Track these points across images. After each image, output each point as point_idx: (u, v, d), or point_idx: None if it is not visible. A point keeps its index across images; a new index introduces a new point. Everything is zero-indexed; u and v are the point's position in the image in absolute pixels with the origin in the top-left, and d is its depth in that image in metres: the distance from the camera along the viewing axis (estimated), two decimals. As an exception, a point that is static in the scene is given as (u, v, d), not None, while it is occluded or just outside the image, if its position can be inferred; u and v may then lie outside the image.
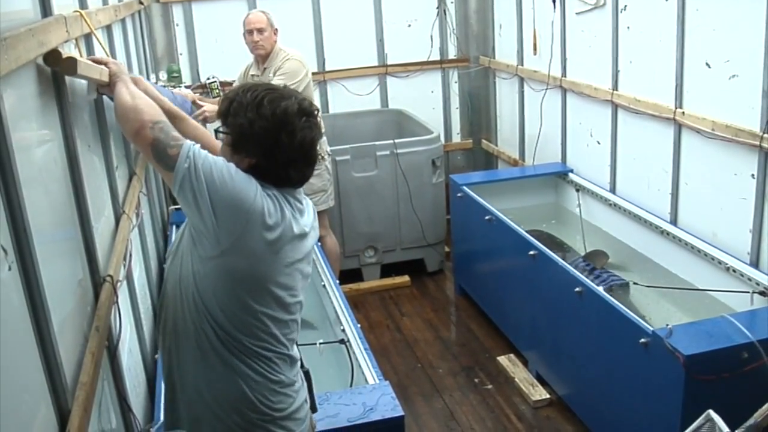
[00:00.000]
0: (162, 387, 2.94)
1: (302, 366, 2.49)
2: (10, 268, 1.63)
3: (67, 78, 2.38)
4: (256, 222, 2.12)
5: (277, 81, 5.07)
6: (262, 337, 2.23)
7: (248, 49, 5.35)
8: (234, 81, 6.42)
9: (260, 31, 5.22)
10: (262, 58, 5.32)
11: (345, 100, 6.86)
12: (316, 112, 2.26)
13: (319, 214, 5.40)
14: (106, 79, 2.43)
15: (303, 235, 2.27)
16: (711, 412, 2.75)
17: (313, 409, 2.58)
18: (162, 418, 2.41)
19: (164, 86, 5.30)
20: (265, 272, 2.18)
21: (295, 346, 2.38)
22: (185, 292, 2.20)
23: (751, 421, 2.60)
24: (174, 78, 6.13)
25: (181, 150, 2.11)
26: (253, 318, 2.21)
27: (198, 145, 2.16)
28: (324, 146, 5.48)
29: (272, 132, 2.17)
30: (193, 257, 2.18)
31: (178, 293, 2.23)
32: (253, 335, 2.21)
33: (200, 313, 2.18)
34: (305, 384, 2.46)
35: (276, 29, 5.30)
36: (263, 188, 2.17)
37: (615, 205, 4.96)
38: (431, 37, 6.97)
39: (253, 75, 5.46)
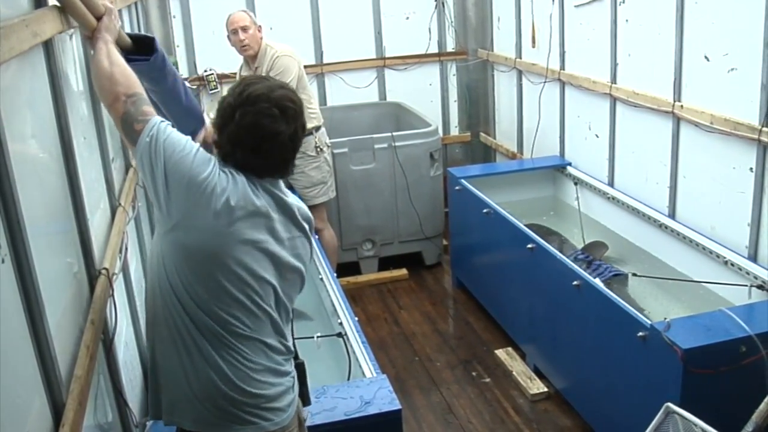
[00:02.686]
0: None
1: (296, 358, 2.49)
2: (3, 261, 1.62)
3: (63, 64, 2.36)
4: (207, 195, 2.15)
5: None
6: (229, 321, 2.22)
7: (236, 51, 5.31)
8: (232, 74, 6.43)
9: (245, 29, 5.16)
10: (252, 57, 5.28)
11: (343, 92, 6.84)
12: (288, 104, 2.25)
13: (318, 206, 5.40)
14: (93, 24, 2.34)
15: (266, 215, 2.26)
16: (670, 404, 2.76)
17: (306, 401, 2.57)
18: (149, 408, 2.41)
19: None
20: (218, 245, 2.18)
21: (274, 337, 2.35)
22: (158, 277, 2.24)
23: (750, 426, 2.59)
24: (171, 70, 6.10)
25: (146, 125, 2.17)
26: (216, 299, 2.21)
27: (166, 122, 2.21)
28: (323, 138, 5.47)
29: (232, 107, 2.23)
30: (158, 238, 2.25)
31: (155, 280, 2.26)
32: (219, 319, 2.22)
33: (170, 297, 2.21)
34: (295, 375, 2.44)
35: (260, 26, 5.26)
36: (224, 167, 2.23)
37: (613, 198, 4.95)
38: (429, 29, 6.95)
39: (246, 74, 5.35)
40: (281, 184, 2.36)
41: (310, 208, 5.25)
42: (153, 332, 2.32)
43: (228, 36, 5.26)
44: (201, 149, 2.21)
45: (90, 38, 2.36)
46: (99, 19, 2.34)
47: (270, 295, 2.30)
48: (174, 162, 2.14)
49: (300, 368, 2.49)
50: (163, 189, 2.14)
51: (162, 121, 2.19)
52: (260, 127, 2.21)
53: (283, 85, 2.33)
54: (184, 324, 2.21)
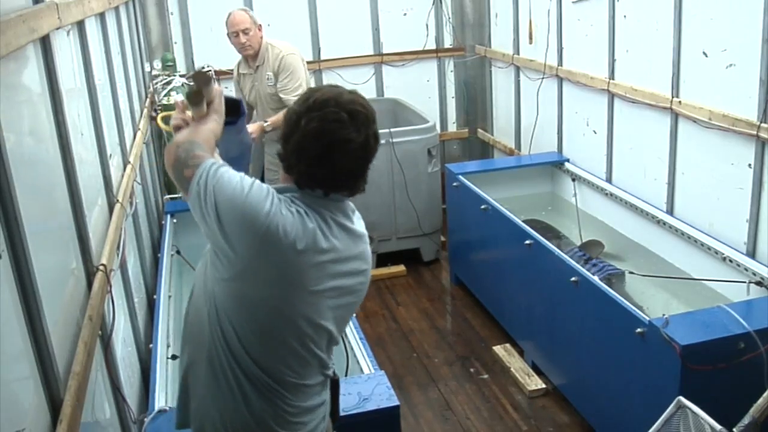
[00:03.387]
0: (157, 374, 2.94)
1: (333, 375, 2.28)
2: (0, 257, 1.62)
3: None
4: (269, 240, 1.92)
5: (287, 83, 5.09)
6: (279, 370, 2.07)
7: (235, 50, 5.24)
8: (229, 70, 6.42)
9: (245, 31, 5.07)
10: (252, 56, 5.22)
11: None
12: (358, 109, 2.01)
13: None
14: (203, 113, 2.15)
15: (335, 261, 2.04)
16: (681, 398, 2.76)
17: (336, 418, 2.39)
18: (175, 414, 2.32)
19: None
20: (283, 300, 2.00)
21: (318, 374, 2.17)
22: (208, 317, 2.07)
23: (747, 419, 2.59)
24: (168, 67, 6.10)
25: (197, 171, 1.96)
26: (271, 350, 2.05)
27: (218, 163, 1.99)
28: None
29: (297, 115, 2.01)
30: (213, 275, 2.04)
31: (202, 316, 2.09)
32: (269, 369, 2.06)
33: (219, 340, 2.05)
34: (328, 398, 2.27)
35: (260, 25, 5.19)
36: (292, 203, 1.99)
37: (611, 194, 4.95)
38: (427, 25, 6.95)
39: (244, 74, 5.39)
40: (350, 207, 2.14)
41: None
42: (191, 357, 2.18)
43: (228, 35, 5.21)
44: (257, 185, 1.96)
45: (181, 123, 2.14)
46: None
47: (323, 339, 2.12)
48: (225, 209, 1.91)
49: (334, 385, 2.30)
50: (221, 238, 1.93)
51: (214, 164, 1.97)
52: (326, 133, 1.97)
53: (352, 91, 2.10)
54: (230, 367, 2.06)
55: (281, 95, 5.07)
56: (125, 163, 3.82)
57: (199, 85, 2.07)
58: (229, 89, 6.50)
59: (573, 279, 3.84)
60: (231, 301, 2.01)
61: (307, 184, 2.03)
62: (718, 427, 2.61)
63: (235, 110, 2.29)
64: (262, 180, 5.56)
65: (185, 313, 2.24)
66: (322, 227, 2.00)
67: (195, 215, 1.99)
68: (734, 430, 2.58)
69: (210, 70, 2.15)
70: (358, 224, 2.15)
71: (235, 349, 2.04)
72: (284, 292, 1.99)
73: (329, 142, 1.98)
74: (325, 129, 1.97)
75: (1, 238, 1.63)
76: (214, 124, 2.12)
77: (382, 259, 6.14)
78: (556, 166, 5.66)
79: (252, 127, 4.77)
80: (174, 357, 3.36)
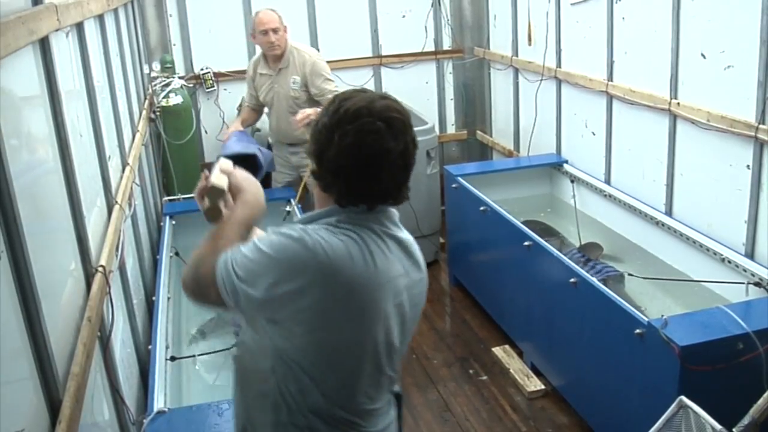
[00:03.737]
0: (156, 376, 2.94)
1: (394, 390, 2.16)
2: (0, 258, 1.62)
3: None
4: (329, 284, 1.79)
5: (324, 87, 5.12)
6: (356, 401, 1.95)
7: (261, 49, 5.26)
8: (235, 71, 6.43)
9: (275, 31, 5.09)
10: (277, 57, 5.21)
11: (339, 91, 6.82)
12: (394, 116, 1.86)
13: None
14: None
15: (396, 276, 1.92)
16: (683, 398, 2.76)
17: None
18: None
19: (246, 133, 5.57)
20: (356, 334, 1.88)
21: (387, 394, 2.06)
22: (273, 375, 1.91)
23: (747, 420, 2.59)
24: (167, 68, 6.10)
25: (215, 271, 1.83)
26: (350, 386, 1.93)
27: (229, 257, 1.84)
28: None
29: (329, 128, 1.84)
30: (277, 333, 1.88)
31: (265, 372, 1.92)
32: (348, 404, 1.95)
33: (289, 397, 1.90)
34: (395, 412, 2.14)
35: (286, 27, 5.20)
36: (337, 228, 1.85)
37: (610, 196, 4.96)
38: (425, 27, 6.95)
39: (263, 74, 5.35)
40: (396, 215, 2.00)
41: None
42: (252, 406, 2.01)
43: (253, 33, 5.21)
44: (274, 246, 1.80)
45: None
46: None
47: (395, 357, 2.01)
48: (267, 282, 1.77)
49: (398, 399, 2.15)
50: (279, 309, 1.81)
51: (226, 260, 1.83)
52: (364, 147, 1.82)
53: (384, 95, 1.94)
54: (303, 414, 1.91)
55: (321, 98, 5.08)
56: (124, 164, 3.83)
57: (214, 201, 1.97)
58: (228, 91, 6.52)
59: (572, 280, 3.85)
60: (303, 354, 1.86)
61: (349, 202, 1.88)
62: (719, 427, 2.61)
63: (251, 165, 2.22)
64: (268, 183, 5.57)
65: (234, 371, 2.07)
66: (378, 244, 1.89)
67: (239, 309, 1.84)
68: (734, 430, 2.59)
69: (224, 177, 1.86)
70: (405, 231, 2.03)
71: (311, 399, 1.89)
72: (359, 323, 1.87)
73: (368, 155, 1.83)
74: (362, 142, 1.82)
75: (0, 239, 1.64)
76: (241, 212, 2.01)
77: (381, 261, 6.13)
78: (554, 167, 5.66)
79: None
80: (173, 358, 3.36)
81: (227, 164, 2.07)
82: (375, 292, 1.86)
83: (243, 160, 2.33)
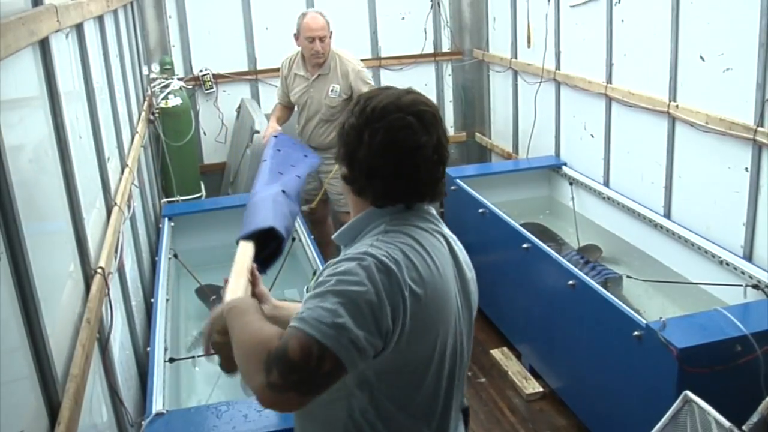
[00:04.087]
0: (154, 378, 2.94)
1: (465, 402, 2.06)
2: (-1, 259, 1.62)
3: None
4: (407, 308, 1.68)
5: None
6: (431, 416, 1.85)
7: (304, 54, 5.08)
8: (229, 74, 6.43)
9: (322, 39, 4.92)
10: (318, 64, 5.07)
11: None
12: (423, 109, 1.79)
13: (344, 214, 5.24)
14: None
15: (454, 279, 1.87)
16: (688, 393, 2.76)
17: None
18: None
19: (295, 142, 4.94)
20: (432, 346, 1.77)
21: (456, 406, 1.95)
22: (343, 400, 1.78)
23: (756, 417, 2.59)
24: (166, 70, 6.10)
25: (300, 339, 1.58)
26: (430, 399, 1.83)
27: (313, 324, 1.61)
28: None
29: (357, 129, 1.77)
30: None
31: (331, 400, 1.77)
32: (420, 415, 1.83)
33: (360, 420, 1.79)
34: (462, 427, 2.03)
35: (332, 32, 5.03)
36: (386, 237, 1.75)
37: (608, 198, 4.96)
38: (425, 29, 6.95)
39: (299, 75, 5.20)
40: (435, 212, 1.93)
41: (343, 213, 5.19)
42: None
43: (297, 35, 5.05)
44: (355, 274, 1.65)
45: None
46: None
47: (464, 362, 1.93)
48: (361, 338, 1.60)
49: (465, 414, 2.05)
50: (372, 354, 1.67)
51: (320, 330, 1.58)
52: (397, 144, 1.74)
53: (409, 89, 1.87)
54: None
55: None
56: (123, 166, 3.83)
57: (229, 354, 1.80)
58: (227, 93, 6.52)
59: (570, 282, 3.85)
60: (389, 374, 1.74)
61: (386, 203, 1.81)
62: (724, 421, 2.60)
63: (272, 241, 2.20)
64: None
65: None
66: (432, 243, 1.81)
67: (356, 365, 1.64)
68: (743, 428, 2.58)
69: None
70: (447, 229, 1.95)
71: (393, 421, 1.78)
72: (434, 332, 1.76)
73: (401, 152, 1.75)
74: (394, 139, 1.74)
75: (0, 240, 1.64)
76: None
77: (379, 263, 6.13)
78: (553, 169, 5.67)
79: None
80: (172, 360, 3.36)
81: (242, 268, 1.97)
82: (443, 296, 1.78)
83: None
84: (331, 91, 5.06)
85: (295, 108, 5.40)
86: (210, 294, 4.41)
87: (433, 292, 1.73)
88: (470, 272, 1.97)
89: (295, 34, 5.07)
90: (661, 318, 3.21)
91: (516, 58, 6.22)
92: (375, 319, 1.61)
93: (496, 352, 4.86)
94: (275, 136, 4.80)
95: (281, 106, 5.42)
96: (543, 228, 5.21)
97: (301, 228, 4.67)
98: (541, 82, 5.75)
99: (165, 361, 3.24)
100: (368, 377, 1.73)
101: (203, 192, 6.16)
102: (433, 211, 1.91)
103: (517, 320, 4.78)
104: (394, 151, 1.75)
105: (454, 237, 1.95)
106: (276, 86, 5.90)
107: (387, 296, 1.64)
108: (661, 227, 4.41)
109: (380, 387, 1.74)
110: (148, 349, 3.29)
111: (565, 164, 5.55)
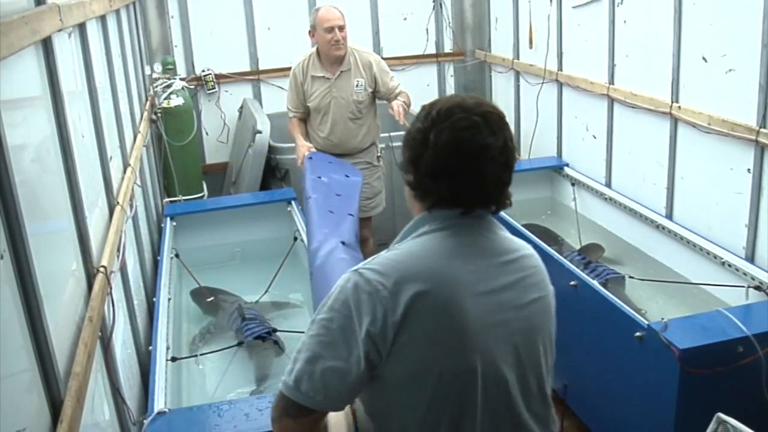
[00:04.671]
0: (156, 377, 2.94)
1: None
2: (2, 257, 1.62)
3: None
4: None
5: (392, 82, 4.93)
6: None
7: (322, 49, 4.82)
8: (231, 74, 6.43)
9: (341, 28, 4.75)
10: (338, 59, 4.83)
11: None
12: (488, 110, 1.75)
13: (370, 218, 5.19)
14: None
15: (491, 291, 1.75)
16: (720, 415, 2.71)
17: None
18: None
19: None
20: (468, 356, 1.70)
21: None
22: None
23: None
24: (168, 70, 6.11)
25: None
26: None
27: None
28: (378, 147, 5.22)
29: (423, 132, 1.74)
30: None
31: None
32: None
33: None
34: None
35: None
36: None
37: (610, 199, 4.96)
38: (427, 30, 6.96)
39: (318, 77, 4.89)
40: (495, 222, 1.86)
41: (368, 219, 5.14)
42: None
43: (312, 31, 4.84)
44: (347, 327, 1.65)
45: None
46: None
47: (514, 395, 1.84)
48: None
49: None
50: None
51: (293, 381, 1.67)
52: (463, 143, 1.70)
53: (473, 96, 1.83)
54: None
55: (392, 95, 4.88)
56: (125, 165, 3.83)
57: None
58: (229, 93, 6.52)
59: (572, 283, 3.85)
60: (407, 393, 1.70)
61: (447, 207, 1.77)
62: None
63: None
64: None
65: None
66: (470, 242, 1.77)
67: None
68: None
69: None
70: (519, 240, 1.91)
71: None
72: (438, 347, 1.68)
73: (467, 151, 1.71)
74: (459, 138, 1.70)
75: (2, 239, 1.64)
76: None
77: (381, 263, 6.12)
78: (555, 170, 5.67)
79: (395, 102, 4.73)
80: (173, 359, 3.36)
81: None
82: (460, 307, 1.67)
83: None
84: (357, 85, 4.87)
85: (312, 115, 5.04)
86: (207, 295, 4.41)
87: (442, 302, 1.66)
88: (539, 292, 1.90)
89: (309, 31, 4.88)
90: (662, 319, 3.21)
91: (518, 58, 6.22)
92: (347, 343, 1.64)
93: (497, 353, 4.84)
94: (310, 158, 4.71)
95: (297, 120, 5.05)
96: (545, 229, 5.21)
97: (302, 227, 4.65)
98: (543, 82, 5.76)
99: (167, 360, 3.24)
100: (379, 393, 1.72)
101: (205, 192, 6.17)
102: (492, 220, 1.83)
103: (519, 321, 4.77)
104: (459, 150, 1.71)
105: (528, 250, 1.89)
106: (279, 87, 5.91)
107: (363, 313, 1.63)
108: (663, 228, 4.41)
109: (402, 411, 1.70)
110: (150, 347, 3.29)
111: (567, 165, 5.55)
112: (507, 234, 1.85)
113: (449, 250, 1.73)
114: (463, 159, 1.71)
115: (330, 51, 4.78)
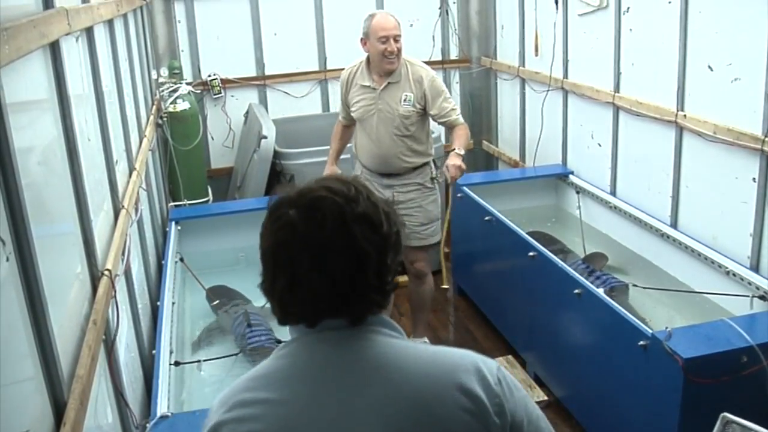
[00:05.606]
0: (159, 380, 2.95)
1: None
2: (8, 259, 1.62)
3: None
4: None
5: (446, 106, 4.42)
6: None
7: (374, 59, 4.44)
8: (237, 78, 6.44)
9: (396, 39, 4.31)
10: (390, 71, 4.41)
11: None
12: (318, 197, 1.41)
13: (425, 248, 4.75)
14: None
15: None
16: (726, 414, 2.70)
17: None
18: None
19: None
20: None
21: None
22: None
23: None
24: (175, 74, 6.12)
25: None
26: None
27: None
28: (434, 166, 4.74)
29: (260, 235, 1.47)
30: None
31: None
32: None
33: None
34: None
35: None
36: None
37: (615, 207, 4.95)
38: (433, 37, 6.96)
39: (364, 86, 4.53)
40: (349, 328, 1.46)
41: (423, 248, 4.74)
42: None
43: (365, 39, 4.44)
44: None
45: None
46: None
47: None
48: None
49: None
50: None
51: None
52: (276, 248, 1.42)
53: (326, 176, 1.51)
54: None
55: (442, 120, 4.45)
56: (131, 169, 3.84)
57: None
58: (235, 98, 6.53)
59: (576, 291, 3.84)
60: None
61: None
62: None
63: None
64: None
65: None
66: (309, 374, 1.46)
67: None
68: None
69: None
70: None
71: None
72: None
73: (279, 257, 1.42)
74: (274, 241, 1.43)
75: (8, 241, 1.64)
76: None
77: (385, 269, 6.12)
78: (560, 178, 5.67)
79: (453, 160, 4.31)
80: (177, 363, 3.37)
81: None
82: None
83: None
84: (404, 100, 4.39)
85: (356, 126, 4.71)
86: (221, 295, 4.44)
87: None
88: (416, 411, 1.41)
89: (362, 39, 4.45)
90: (666, 328, 3.20)
91: (524, 66, 6.22)
92: None
93: (500, 360, 4.85)
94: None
95: (342, 125, 4.81)
96: (549, 236, 5.21)
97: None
98: (548, 90, 5.76)
99: (170, 364, 3.25)
100: None
101: (210, 196, 6.18)
102: (358, 333, 1.45)
103: (523, 328, 4.77)
104: (274, 256, 1.42)
105: (413, 358, 1.50)
106: (284, 92, 5.92)
107: None
108: (668, 237, 4.41)
109: None
110: (154, 351, 3.30)
111: (572, 173, 5.55)
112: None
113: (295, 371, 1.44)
114: (276, 267, 1.40)
115: (382, 64, 4.39)
